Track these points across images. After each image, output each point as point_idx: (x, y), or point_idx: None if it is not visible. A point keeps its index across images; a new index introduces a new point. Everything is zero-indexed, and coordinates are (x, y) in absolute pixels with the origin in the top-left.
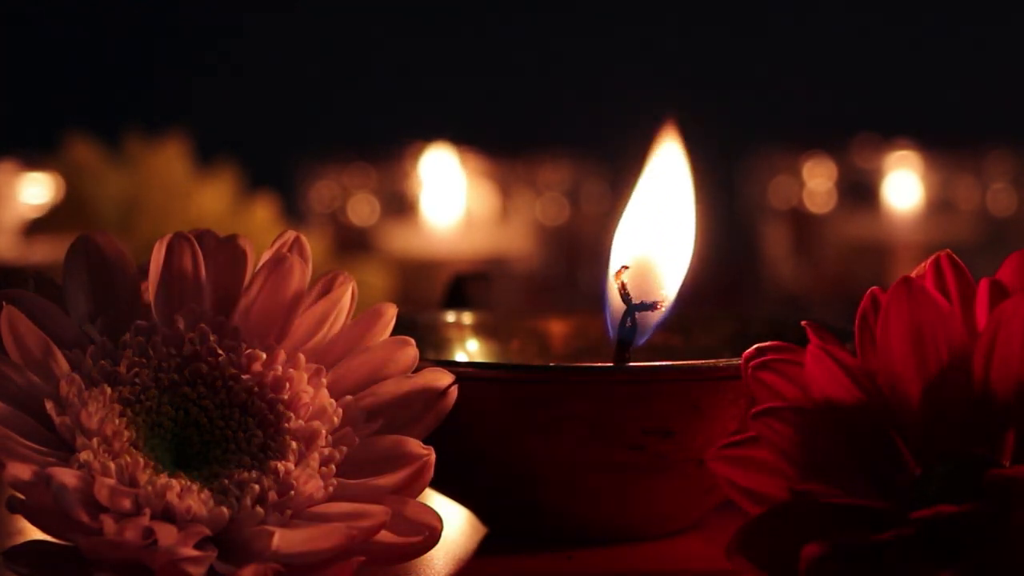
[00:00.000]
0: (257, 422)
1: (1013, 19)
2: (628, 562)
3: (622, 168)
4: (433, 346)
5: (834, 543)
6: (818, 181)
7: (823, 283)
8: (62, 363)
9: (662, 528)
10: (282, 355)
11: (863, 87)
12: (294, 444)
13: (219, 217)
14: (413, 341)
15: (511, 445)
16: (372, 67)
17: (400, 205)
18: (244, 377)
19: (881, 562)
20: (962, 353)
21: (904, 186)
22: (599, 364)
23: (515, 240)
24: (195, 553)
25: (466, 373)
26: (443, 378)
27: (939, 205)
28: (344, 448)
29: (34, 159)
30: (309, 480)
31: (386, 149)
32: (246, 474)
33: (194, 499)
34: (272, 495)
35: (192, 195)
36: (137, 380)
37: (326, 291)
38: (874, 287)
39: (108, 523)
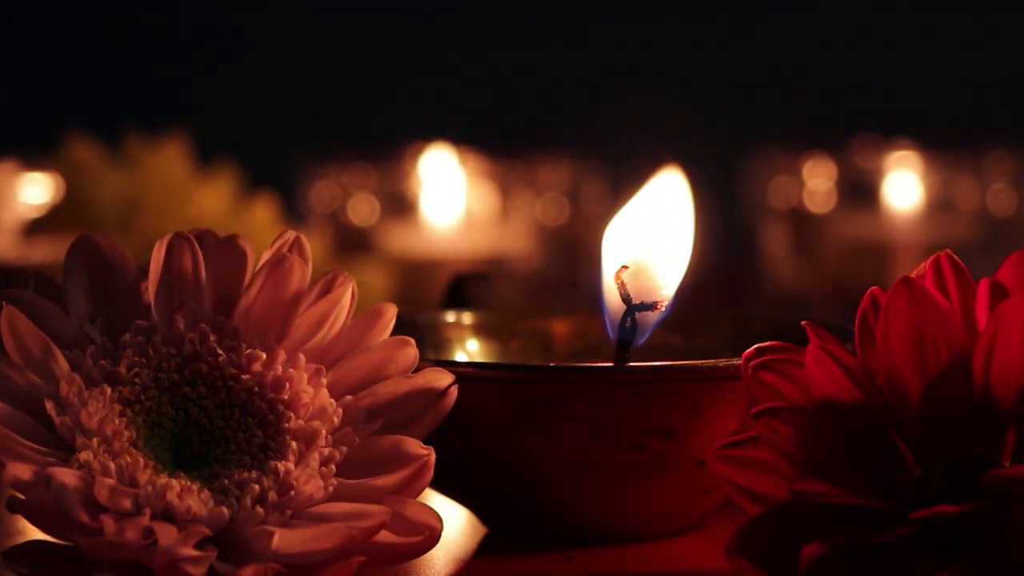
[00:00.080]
0: (257, 422)
1: (1013, 19)
2: (628, 562)
3: (622, 168)
4: (433, 346)
5: (834, 543)
6: (818, 181)
7: (823, 283)
8: (62, 363)
9: (662, 528)
10: (282, 355)
11: (863, 87)
12: (294, 444)
13: (219, 217)
14: (413, 341)
15: (511, 445)
16: (372, 67)
17: (400, 205)
18: (244, 377)
19: (881, 562)
20: (962, 353)
21: (904, 186)
22: (599, 364)
23: (515, 240)
24: (195, 553)
25: (466, 373)
26: (443, 378)
27: (939, 205)
28: (344, 448)
29: (34, 159)
30: (309, 480)
31: (386, 149)
32: (246, 474)
33: (194, 499)
34: (272, 495)
35: (192, 195)
36: (137, 380)
37: (326, 291)
38: (874, 287)
39: (108, 523)
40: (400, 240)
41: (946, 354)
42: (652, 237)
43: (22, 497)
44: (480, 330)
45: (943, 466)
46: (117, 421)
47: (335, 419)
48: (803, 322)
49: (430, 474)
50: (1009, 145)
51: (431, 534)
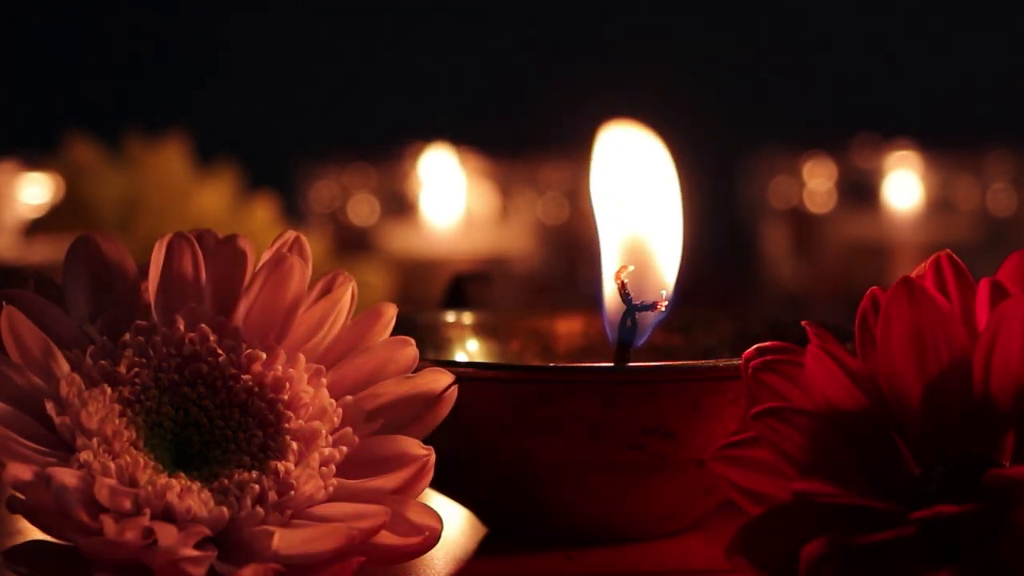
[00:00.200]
0: (257, 422)
1: (1013, 19)
2: (628, 562)
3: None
4: (433, 346)
5: (834, 543)
6: (818, 181)
7: (823, 283)
8: (62, 363)
9: (662, 528)
10: (282, 355)
11: (863, 87)
12: (294, 444)
13: (219, 217)
14: (413, 341)
15: (511, 445)
16: (372, 67)
17: (400, 205)
18: (244, 377)
19: (881, 562)
20: (962, 353)
21: (904, 186)
22: (599, 364)
23: (515, 240)
24: (195, 553)
25: (466, 373)
26: (443, 378)
27: (939, 205)
28: (344, 448)
29: (34, 159)
30: (309, 480)
31: (386, 149)
32: (246, 474)
33: (194, 499)
34: (272, 495)
35: (192, 195)
36: (137, 380)
37: (326, 291)
38: (874, 287)
39: (108, 523)
40: (400, 240)
41: (946, 354)
42: (645, 235)
43: (22, 497)
44: (480, 330)
45: (943, 466)
46: (117, 421)
47: (335, 419)
48: (803, 322)
49: (430, 474)
50: (1009, 145)
51: (431, 534)
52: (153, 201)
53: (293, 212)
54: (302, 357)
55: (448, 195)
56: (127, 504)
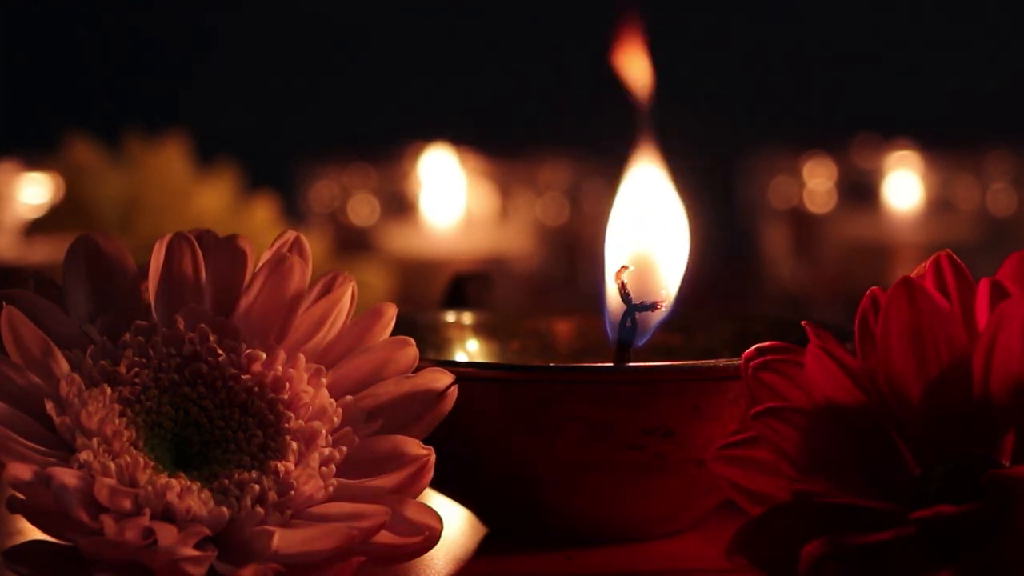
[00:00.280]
0: (257, 422)
1: (1013, 19)
2: (628, 562)
3: (622, 168)
4: (433, 346)
5: (834, 543)
6: (818, 181)
7: (823, 283)
8: (62, 363)
9: (662, 528)
10: (282, 355)
11: (863, 87)
12: (294, 444)
13: (219, 217)
14: (413, 341)
15: (511, 445)
16: (372, 67)
17: (400, 205)
18: (244, 377)
19: (881, 562)
20: (962, 353)
21: (904, 186)
22: (599, 364)
23: (515, 240)
24: (195, 553)
25: (466, 373)
26: (443, 378)
27: (939, 205)
28: (344, 448)
29: (34, 159)
30: (309, 480)
31: (386, 149)
32: (246, 474)
33: (194, 499)
34: (272, 495)
35: (192, 195)
36: (137, 380)
37: (326, 291)
38: (874, 287)
39: (108, 523)
40: (400, 240)
41: (946, 354)
42: (650, 235)
43: (22, 497)
44: (480, 330)
45: (943, 466)
46: (117, 421)
47: (335, 419)
48: (803, 322)
49: (430, 474)
50: (1009, 145)
51: (431, 534)
52: (153, 201)
53: (293, 212)
54: (302, 357)
55: (448, 195)
56: (127, 504)
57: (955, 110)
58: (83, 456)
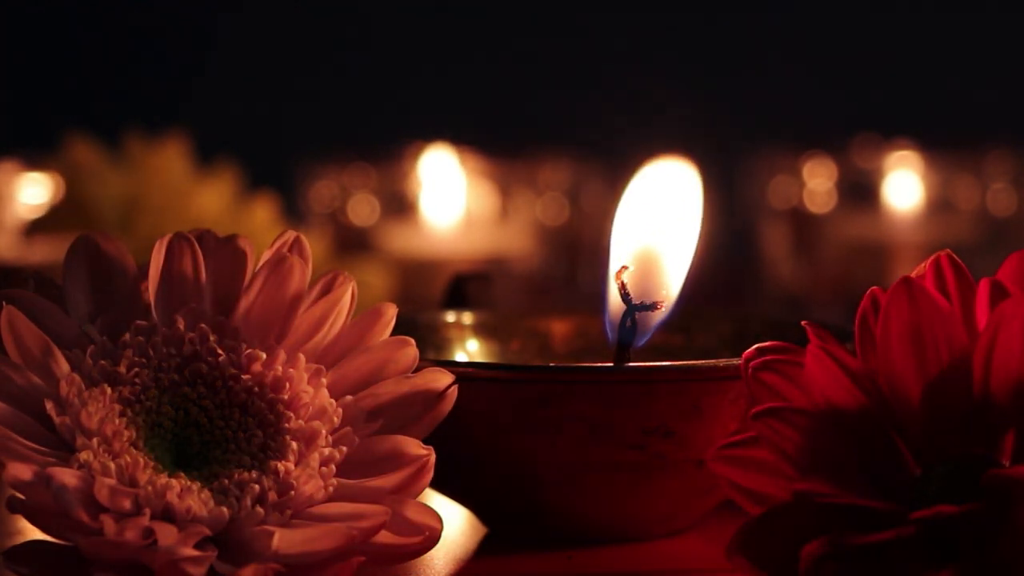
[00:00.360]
0: (257, 422)
1: (1013, 19)
2: (628, 562)
3: (622, 168)
4: (433, 346)
5: (834, 543)
6: (818, 181)
7: (823, 283)
8: (62, 363)
9: (662, 528)
10: (282, 355)
11: (863, 87)
12: (294, 444)
13: (219, 217)
14: (413, 341)
15: (511, 445)
16: (372, 67)
17: (400, 205)
18: (244, 377)
19: (881, 562)
20: (962, 353)
21: (904, 186)
22: (599, 364)
23: (515, 240)
24: (195, 553)
25: (466, 373)
26: (443, 378)
27: (939, 205)
28: (344, 448)
29: (34, 159)
30: (309, 480)
31: (386, 149)
32: (246, 474)
33: (194, 499)
34: (272, 495)
35: (192, 195)
36: (137, 380)
37: (326, 291)
38: (874, 287)
39: (108, 523)
40: (400, 240)
41: (946, 354)
42: (655, 236)
43: (22, 497)
44: (480, 330)
45: (943, 466)
46: (117, 421)
47: (335, 419)
48: (803, 322)
49: (430, 474)
50: (1009, 145)
51: (431, 534)
52: (153, 201)
53: (293, 212)
54: (302, 357)
55: (448, 195)
56: (127, 504)
57: (955, 110)
58: (83, 456)
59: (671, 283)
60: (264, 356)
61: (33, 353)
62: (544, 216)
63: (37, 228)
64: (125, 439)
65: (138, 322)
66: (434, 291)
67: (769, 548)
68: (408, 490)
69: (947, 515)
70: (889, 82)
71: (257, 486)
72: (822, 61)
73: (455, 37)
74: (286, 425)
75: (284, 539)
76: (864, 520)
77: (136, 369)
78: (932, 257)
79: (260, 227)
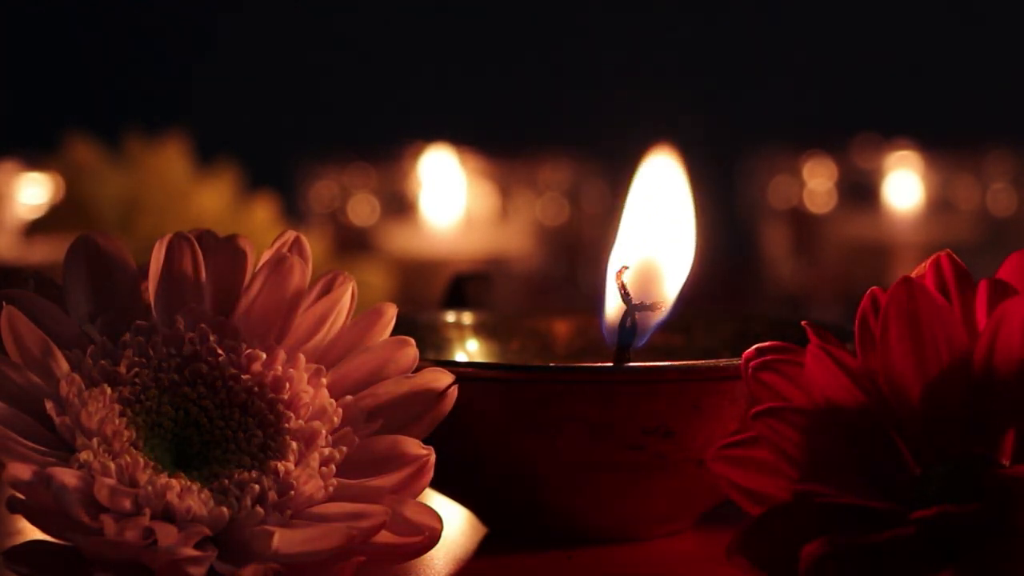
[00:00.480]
0: (257, 422)
1: (1014, 19)
2: (628, 562)
3: (622, 168)
4: (433, 346)
5: (834, 543)
6: (818, 181)
7: (823, 283)
8: (62, 363)
9: (662, 528)
10: (282, 355)
11: (863, 87)
12: (294, 444)
13: (219, 217)
14: (413, 341)
15: (511, 445)
16: (372, 67)
17: (400, 205)
18: (244, 377)
19: (881, 562)
20: (962, 353)
21: (904, 186)
22: (599, 364)
23: (515, 240)
24: (195, 553)
25: (466, 373)
26: (443, 378)
27: (939, 205)
28: (344, 448)
29: (34, 159)
30: (309, 480)
31: (386, 149)
32: (246, 474)
33: (194, 499)
34: (272, 495)
35: (192, 195)
36: (137, 380)
37: (326, 291)
38: (874, 287)
39: (108, 523)
40: (400, 240)
41: (946, 354)
42: (656, 239)
43: (22, 497)
44: (480, 330)
45: (943, 466)
46: (117, 421)
47: (335, 419)
48: (803, 322)
49: (430, 474)
50: (1009, 145)
51: (431, 534)
52: (153, 201)
53: (293, 212)
54: (302, 357)
55: (448, 195)
56: (127, 504)
57: (955, 110)
58: (83, 456)
59: (671, 284)
60: (264, 356)
61: (33, 353)
62: (544, 216)
63: (37, 228)
64: (125, 439)
65: (138, 322)
66: (434, 291)
67: (769, 548)
68: (408, 490)
69: (947, 515)
70: (889, 82)
71: (257, 486)
72: (822, 61)
73: (455, 37)
74: (286, 425)
75: (284, 539)
76: (864, 520)
77: (136, 369)
78: (932, 257)
79: (260, 227)
